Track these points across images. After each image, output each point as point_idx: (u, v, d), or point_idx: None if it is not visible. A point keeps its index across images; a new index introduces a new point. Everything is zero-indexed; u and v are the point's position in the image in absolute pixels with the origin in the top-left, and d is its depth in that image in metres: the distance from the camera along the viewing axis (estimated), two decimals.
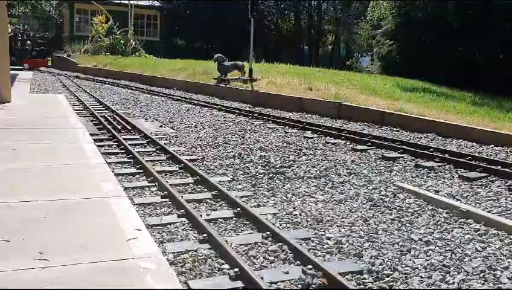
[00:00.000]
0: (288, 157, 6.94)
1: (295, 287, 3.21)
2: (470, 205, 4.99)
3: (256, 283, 3.07)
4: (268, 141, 8.17)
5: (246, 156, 6.94)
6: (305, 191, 5.44)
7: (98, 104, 13.03)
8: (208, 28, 34.74)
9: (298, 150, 7.51)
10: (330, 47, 45.71)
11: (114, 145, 7.47)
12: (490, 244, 4.03)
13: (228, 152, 7.21)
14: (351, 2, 38.78)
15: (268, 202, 5.04)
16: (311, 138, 8.73)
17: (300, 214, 4.65)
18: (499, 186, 5.79)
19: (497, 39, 18.03)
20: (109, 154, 6.76)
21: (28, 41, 32.70)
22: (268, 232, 3.99)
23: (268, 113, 11.59)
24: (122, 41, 31.43)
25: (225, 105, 13.32)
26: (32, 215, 3.51)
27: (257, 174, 6.07)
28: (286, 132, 9.28)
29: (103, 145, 7.33)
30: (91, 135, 7.40)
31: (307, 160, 6.87)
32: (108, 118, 10.05)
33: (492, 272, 3.50)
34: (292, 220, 4.50)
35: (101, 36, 31.31)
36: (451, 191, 5.54)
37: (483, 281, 3.37)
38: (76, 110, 10.89)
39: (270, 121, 10.54)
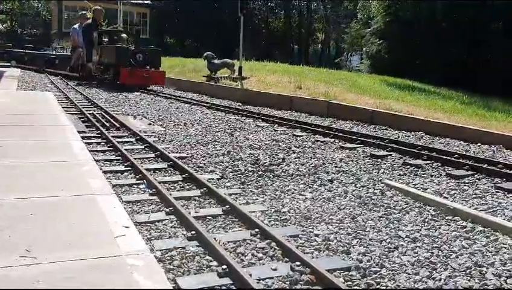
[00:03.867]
0: (278, 155, 6.95)
1: (283, 284, 3.21)
2: (457, 203, 5.04)
3: (244, 280, 3.07)
4: (258, 139, 8.17)
5: (235, 154, 6.93)
6: (294, 188, 5.46)
7: (86, 101, 12.95)
8: (198, 26, 34.64)
9: (287, 148, 7.52)
10: (320, 46, 45.83)
11: (102, 143, 7.42)
12: (476, 241, 4.07)
13: (217, 150, 7.20)
14: (341, 1, 38.90)
15: (257, 199, 5.05)
16: (301, 136, 8.75)
17: (289, 212, 4.66)
18: (486, 184, 5.85)
19: (487, 39, 18.20)
20: (97, 152, 6.72)
21: (123, 34, 18.04)
22: (257, 230, 4.00)
23: (257, 112, 11.60)
24: None
25: (215, 103, 13.30)
26: (19, 213, 3.48)
27: (246, 172, 6.07)
28: (275, 130, 9.29)
29: (91, 143, 7.28)
30: (79, 132, 7.35)
31: (296, 158, 6.89)
32: (97, 115, 9.98)
33: (478, 268, 3.54)
34: (281, 217, 4.51)
35: None
36: (439, 189, 5.59)
37: (469, 278, 3.41)
38: (65, 107, 10.81)
39: (259, 119, 10.54)
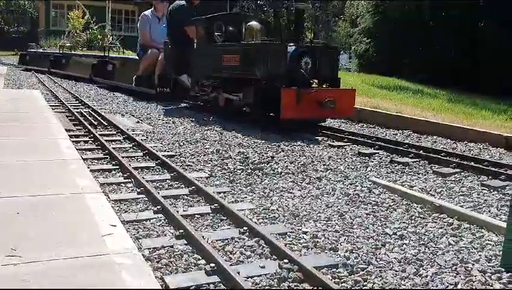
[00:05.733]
0: (267, 154, 6.95)
1: (271, 281, 3.22)
2: (444, 200, 5.09)
3: (232, 278, 3.07)
4: (247, 138, 8.17)
5: (224, 152, 6.93)
6: (282, 186, 5.47)
7: (74, 99, 12.86)
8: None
9: (276, 147, 7.53)
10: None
11: (90, 141, 7.38)
12: (462, 238, 4.12)
13: (206, 148, 7.19)
14: (330, 0, 39.03)
15: (246, 197, 5.05)
16: (290, 134, 8.74)
17: (277, 209, 4.67)
18: (472, 181, 5.91)
19: (475, 38, 18.38)
20: (85, 150, 6.68)
21: (254, 22, 9.54)
22: (245, 228, 4.00)
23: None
24: (99, 37, 30.99)
25: None
26: (5, 211, 3.46)
27: (235, 170, 6.07)
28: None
29: (79, 141, 7.24)
30: (67, 130, 7.31)
31: (284, 156, 6.90)
32: (85, 113, 9.92)
33: (464, 265, 3.57)
34: (269, 215, 4.52)
35: (77, 31, 30.79)
36: (425, 186, 5.63)
37: (455, 274, 3.44)
38: (52, 105, 10.72)
39: None
